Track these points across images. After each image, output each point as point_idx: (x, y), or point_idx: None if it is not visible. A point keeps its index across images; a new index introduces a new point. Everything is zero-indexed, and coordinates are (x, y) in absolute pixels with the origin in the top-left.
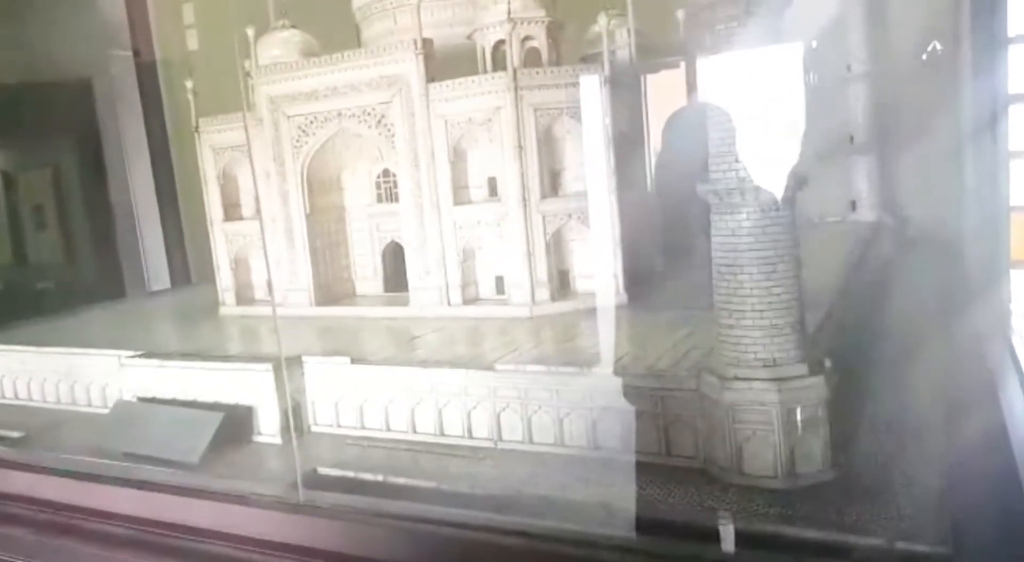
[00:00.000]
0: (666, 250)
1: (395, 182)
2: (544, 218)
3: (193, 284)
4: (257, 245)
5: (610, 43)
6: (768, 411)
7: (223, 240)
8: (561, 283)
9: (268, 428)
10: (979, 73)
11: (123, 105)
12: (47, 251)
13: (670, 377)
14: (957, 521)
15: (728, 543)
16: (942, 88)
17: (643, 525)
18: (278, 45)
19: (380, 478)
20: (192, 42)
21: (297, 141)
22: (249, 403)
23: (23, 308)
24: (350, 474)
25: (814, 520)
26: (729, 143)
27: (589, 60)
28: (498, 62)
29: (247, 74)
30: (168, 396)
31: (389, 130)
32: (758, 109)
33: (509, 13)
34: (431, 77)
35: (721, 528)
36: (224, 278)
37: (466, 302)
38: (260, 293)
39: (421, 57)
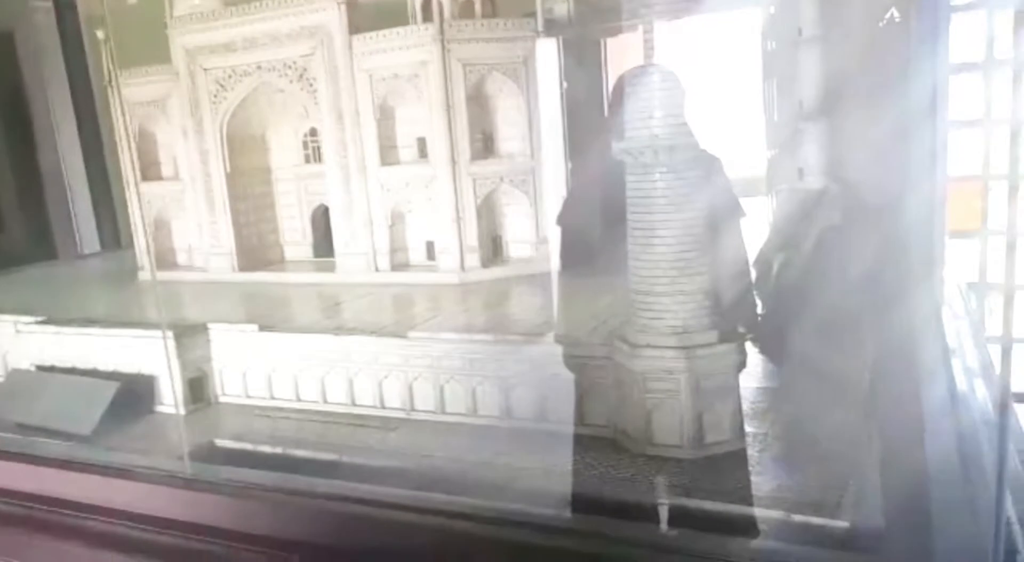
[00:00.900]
0: (605, 215)
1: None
2: (475, 181)
3: (124, 247)
4: (178, 207)
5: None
6: (677, 379)
7: (141, 202)
8: (494, 249)
9: (170, 398)
10: (923, 41)
11: (47, 59)
12: None
13: (584, 345)
14: (860, 492)
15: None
16: (897, 57)
17: (545, 498)
18: None
19: (279, 450)
20: None
21: (215, 96)
22: (151, 372)
23: None
24: (248, 446)
25: (712, 492)
26: (646, 99)
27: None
28: (428, 14)
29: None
30: (67, 365)
31: (311, 85)
32: (683, 69)
33: None
34: (355, 28)
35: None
36: (142, 241)
37: (395, 268)
38: (183, 257)
39: (344, 6)
